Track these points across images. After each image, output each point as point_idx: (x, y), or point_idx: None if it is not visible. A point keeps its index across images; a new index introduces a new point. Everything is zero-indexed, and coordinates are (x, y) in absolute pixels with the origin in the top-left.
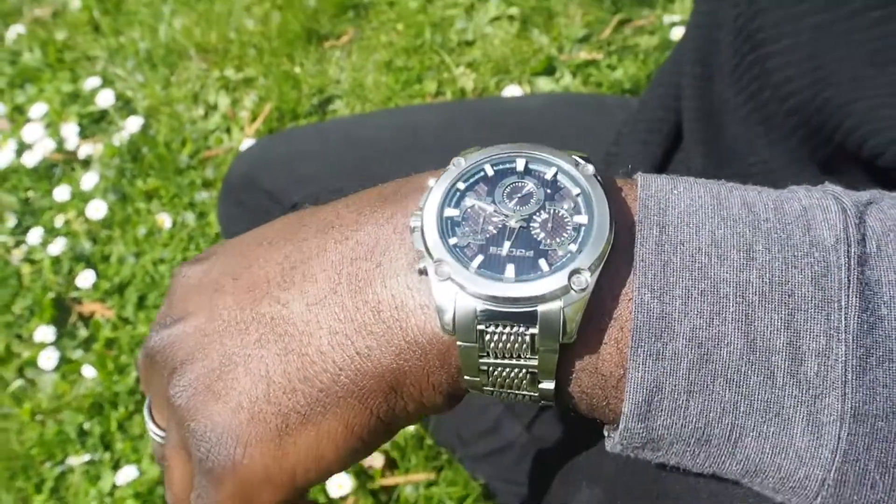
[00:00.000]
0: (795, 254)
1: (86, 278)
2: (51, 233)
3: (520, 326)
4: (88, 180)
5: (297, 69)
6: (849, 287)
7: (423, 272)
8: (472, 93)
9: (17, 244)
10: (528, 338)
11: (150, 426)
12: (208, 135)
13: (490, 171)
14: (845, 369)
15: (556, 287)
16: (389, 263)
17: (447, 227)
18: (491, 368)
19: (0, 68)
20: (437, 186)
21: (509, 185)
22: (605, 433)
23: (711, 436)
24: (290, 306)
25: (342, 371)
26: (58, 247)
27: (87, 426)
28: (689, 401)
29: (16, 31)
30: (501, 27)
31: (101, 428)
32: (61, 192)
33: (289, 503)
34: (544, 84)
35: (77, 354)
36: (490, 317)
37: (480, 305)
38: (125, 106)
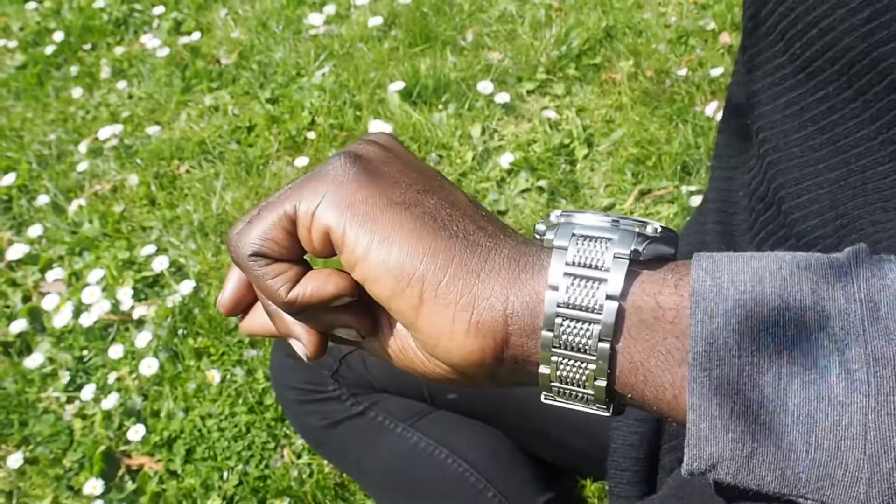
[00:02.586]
0: (818, 259)
1: (136, 432)
2: (103, 389)
3: (604, 242)
4: (142, 339)
5: None
6: (859, 265)
7: (541, 236)
8: None
9: (70, 400)
10: (607, 248)
11: None
12: None
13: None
14: (862, 320)
15: (637, 222)
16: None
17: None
18: (570, 283)
19: (60, 237)
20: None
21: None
22: (683, 457)
23: (763, 384)
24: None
25: (507, 255)
26: (110, 402)
27: None
28: (740, 350)
29: (77, 203)
30: (531, 198)
31: None
32: (115, 351)
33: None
34: None
35: None
36: (584, 233)
37: (578, 230)
38: (178, 271)
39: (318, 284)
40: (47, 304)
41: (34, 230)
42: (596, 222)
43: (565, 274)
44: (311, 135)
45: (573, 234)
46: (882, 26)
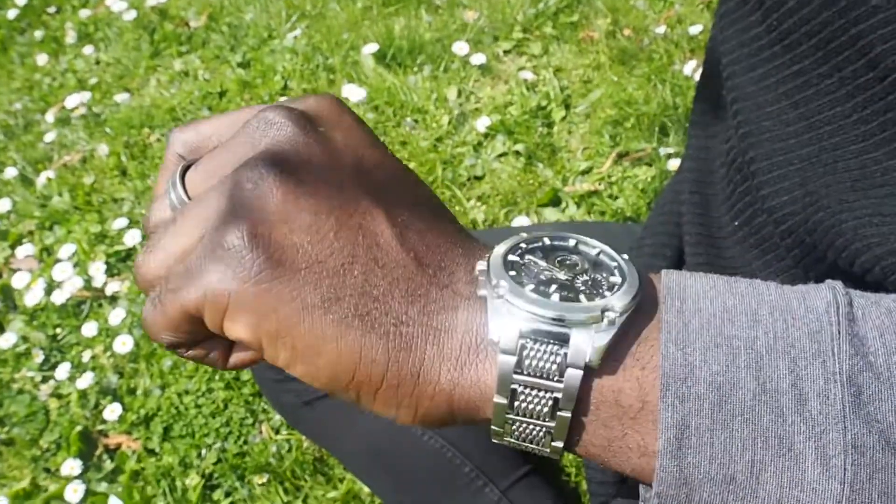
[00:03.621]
0: (794, 316)
1: (112, 411)
2: (78, 368)
3: (555, 345)
4: (115, 316)
5: None
6: (839, 338)
7: (482, 297)
8: (482, 224)
9: (45, 380)
10: (562, 355)
11: (178, 186)
12: None
13: (547, 242)
14: (843, 405)
15: (590, 314)
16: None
17: (508, 265)
18: (521, 389)
19: (30, 212)
20: (503, 244)
21: (561, 255)
22: (641, 498)
23: (736, 472)
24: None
25: (402, 327)
26: (85, 381)
27: None
28: (713, 438)
29: (46, 176)
30: (508, 162)
31: None
32: (89, 328)
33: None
34: (551, 214)
35: (102, 487)
36: (532, 332)
37: (525, 325)
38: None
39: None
40: (18, 281)
41: (3, 204)
42: (547, 312)
43: (514, 380)
44: (284, 100)
45: (521, 334)
46: (861, 2)
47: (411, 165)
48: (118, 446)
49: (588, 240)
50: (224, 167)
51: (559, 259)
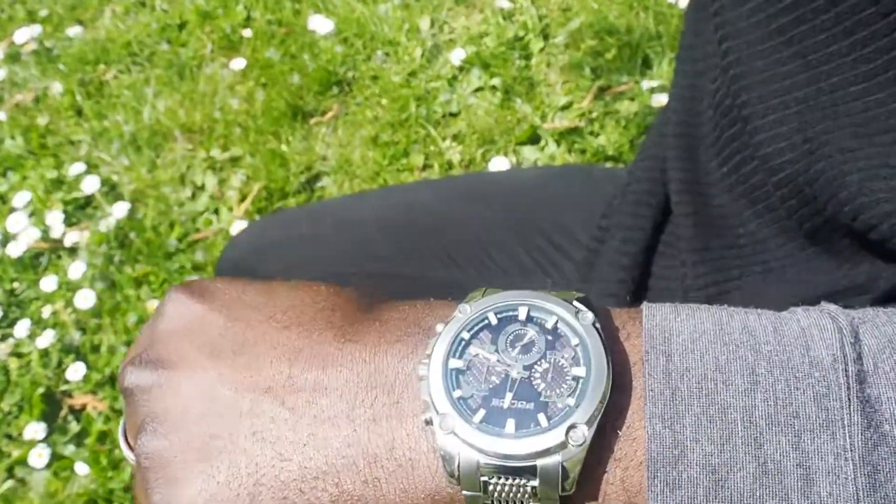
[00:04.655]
0: (797, 375)
1: (76, 370)
2: (38, 324)
3: (521, 479)
4: (76, 269)
5: (284, 147)
6: (850, 406)
7: (428, 423)
8: (459, 165)
9: (4, 338)
10: (530, 489)
11: (124, 447)
12: (196, 217)
13: (493, 320)
14: (856, 487)
15: (554, 443)
16: (408, 403)
17: (452, 379)
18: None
19: None
20: (443, 335)
21: (512, 332)
22: None
23: None
24: (297, 413)
25: (344, 495)
26: (46, 339)
27: None
28: None
29: None
30: (485, 98)
31: None
32: (48, 283)
33: None
34: (529, 153)
35: (69, 450)
36: (492, 470)
37: (483, 459)
38: (111, 191)
39: None
40: None
41: None
42: (505, 449)
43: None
44: (248, 32)
45: (480, 471)
46: None
47: (383, 102)
48: (83, 407)
49: (541, 303)
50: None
51: (511, 338)
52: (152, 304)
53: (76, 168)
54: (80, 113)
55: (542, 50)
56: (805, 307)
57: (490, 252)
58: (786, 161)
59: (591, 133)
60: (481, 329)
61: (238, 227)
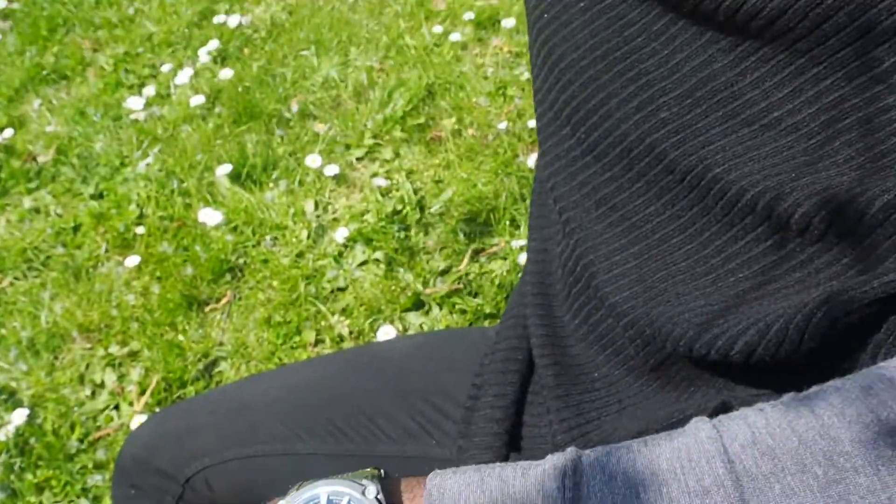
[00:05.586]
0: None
1: None
2: None
3: None
4: None
5: (181, 337)
6: None
7: None
8: (349, 337)
9: None
10: None
11: None
12: (97, 414)
13: None
14: None
15: None
16: None
17: None
18: None
19: None
20: None
21: None
22: None
23: None
24: None
25: None
26: None
27: None
28: None
29: None
30: (370, 271)
31: None
32: None
33: None
34: (415, 319)
35: None
36: None
37: None
38: (10, 398)
39: None
40: None
41: None
42: None
43: None
44: (141, 230)
45: None
46: (651, 115)
47: (274, 284)
48: None
49: (337, 487)
50: None
51: None
52: None
53: None
54: None
55: (419, 221)
56: (559, 452)
57: (377, 421)
58: (629, 307)
59: (470, 294)
60: None
61: (138, 420)
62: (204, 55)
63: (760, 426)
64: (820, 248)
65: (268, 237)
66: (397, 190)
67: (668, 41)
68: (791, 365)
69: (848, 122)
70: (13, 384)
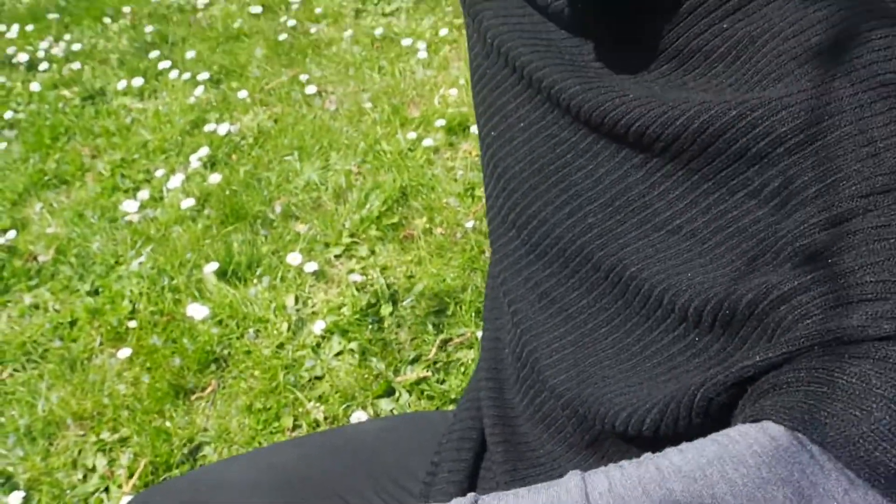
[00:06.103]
0: None
1: None
2: None
3: None
4: None
5: (168, 423)
6: None
7: None
8: (324, 422)
9: None
10: None
11: None
12: (88, 497)
13: None
14: None
15: None
16: None
17: None
18: None
19: None
20: None
21: None
22: None
23: None
24: None
25: None
26: None
27: None
28: None
29: None
30: (345, 360)
31: None
32: None
33: None
34: (386, 405)
35: None
36: None
37: None
38: (7, 482)
39: None
40: None
41: None
42: None
43: None
44: (133, 324)
45: None
46: (580, 220)
47: (256, 373)
48: None
49: None
50: None
51: None
52: None
53: None
54: None
55: (392, 313)
56: (471, 496)
57: (347, 499)
58: (566, 388)
59: (438, 380)
60: None
61: (126, 502)
62: (195, 161)
63: (617, 478)
64: (711, 338)
65: (251, 330)
66: (372, 285)
67: (593, 157)
68: (691, 438)
69: (730, 230)
70: (10, 469)
